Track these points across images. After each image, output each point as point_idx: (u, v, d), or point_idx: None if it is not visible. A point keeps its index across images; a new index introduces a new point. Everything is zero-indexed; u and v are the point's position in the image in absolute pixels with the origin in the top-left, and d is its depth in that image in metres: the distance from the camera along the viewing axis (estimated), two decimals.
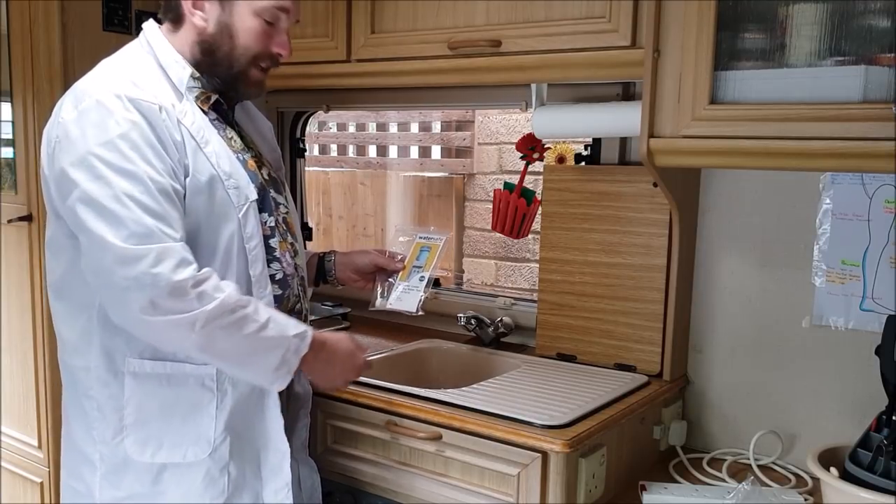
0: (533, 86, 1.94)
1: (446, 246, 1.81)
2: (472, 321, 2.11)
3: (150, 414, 1.44)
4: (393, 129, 4.45)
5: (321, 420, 1.77)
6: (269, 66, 1.54)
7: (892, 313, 1.55)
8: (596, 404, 1.61)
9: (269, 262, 1.51)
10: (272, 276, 1.52)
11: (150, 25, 1.53)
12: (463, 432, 1.56)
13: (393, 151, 4.44)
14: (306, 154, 2.70)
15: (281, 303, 1.54)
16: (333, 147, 4.76)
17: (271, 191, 1.56)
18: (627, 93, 1.92)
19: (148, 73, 1.46)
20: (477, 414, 1.57)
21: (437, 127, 4.21)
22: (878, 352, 1.49)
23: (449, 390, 1.69)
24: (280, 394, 1.52)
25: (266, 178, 1.57)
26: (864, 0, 1.36)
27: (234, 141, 1.54)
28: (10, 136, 2.29)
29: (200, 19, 1.48)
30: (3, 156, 2.34)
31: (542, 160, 2.07)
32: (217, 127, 1.50)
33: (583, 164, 2.01)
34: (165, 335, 1.36)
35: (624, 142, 1.96)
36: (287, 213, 1.60)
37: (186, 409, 1.44)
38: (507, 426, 1.51)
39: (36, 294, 2.21)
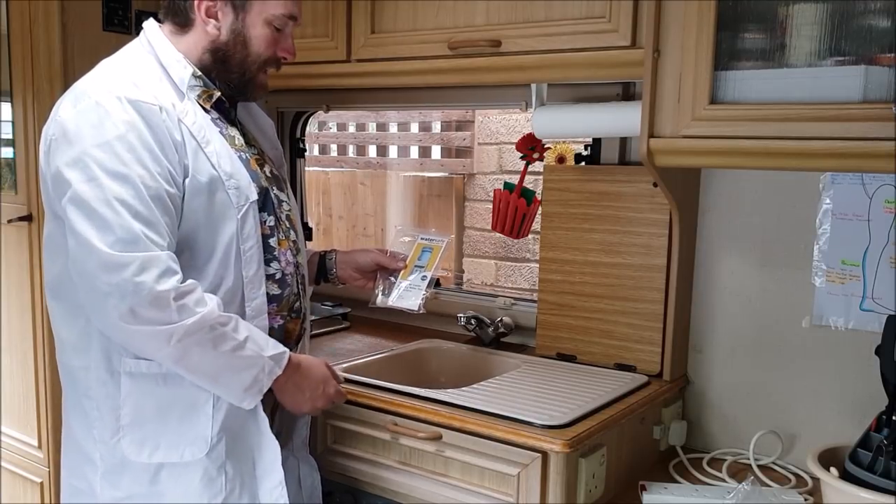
0: (533, 86, 1.94)
1: (448, 247, 1.81)
2: (472, 321, 2.11)
3: (147, 414, 1.44)
4: (393, 129, 4.44)
5: (321, 420, 1.77)
6: (276, 68, 1.57)
7: (892, 313, 1.55)
8: (596, 404, 1.61)
9: (267, 261, 1.52)
10: (271, 276, 1.52)
11: (150, 25, 1.53)
12: (463, 432, 1.56)
13: (393, 151, 4.44)
14: (306, 154, 2.70)
15: (280, 301, 1.55)
16: (333, 147, 4.76)
17: (273, 188, 1.57)
18: (627, 93, 1.92)
19: (148, 72, 1.46)
20: (477, 414, 1.57)
21: (437, 127, 4.21)
22: (878, 352, 1.49)
23: (449, 390, 1.69)
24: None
25: (268, 175, 1.57)
26: (864, 0, 1.36)
27: (236, 139, 1.54)
28: (10, 136, 2.29)
29: (214, 27, 1.49)
30: (3, 156, 2.34)
31: (542, 160, 2.07)
32: (219, 125, 1.51)
33: (583, 164, 2.01)
34: (141, 344, 1.37)
35: (624, 142, 1.96)
36: (290, 210, 1.61)
37: (183, 409, 1.44)
38: (507, 426, 1.51)
39: (36, 294, 2.21)
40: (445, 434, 1.59)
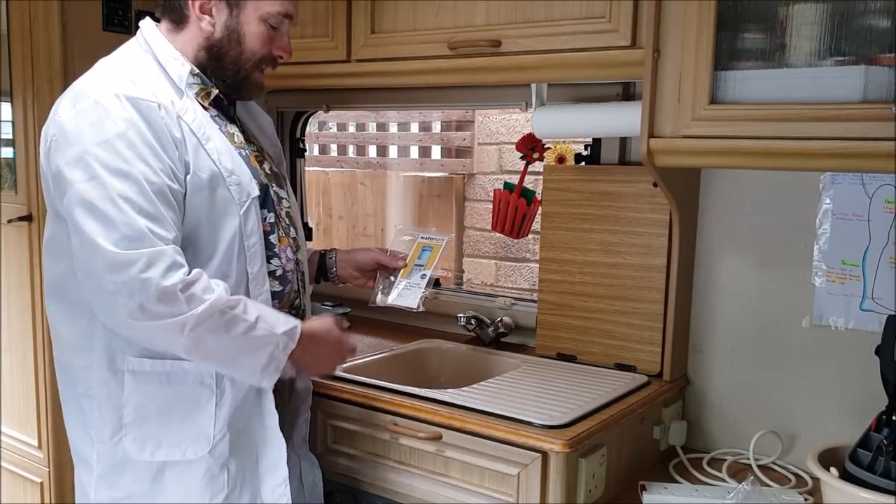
0: (533, 86, 1.95)
1: (448, 246, 1.81)
2: (472, 321, 2.11)
3: (150, 412, 1.44)
4: (393, 129, 4.44)
5: (321, 420, 1.77)
6: (272, 67, 1.56)
7: (892, 313, 1.55)
8: (596, 404, 1.61)
9: (268, 258, 1.52)
10: (272, 273, 1.53)
11: (147, 24, 1.53)
12: (463, 432, 1.56)
13: (393, 151, 4.44)
14: (306, 154, 2.70)
15: (280, 298, 1.55)
16: (333, 147, 4.76)
17: (273, 186, 1.57)
18: (627, 93, 1.92)
19: (146, 71, 1.46)
20: (477, 414, 1.57)
21: (437, 127, 4.20)
22: (878, 352, 1.49)
23: (449, 390, 1.69)
24: (279, 390, 1.53)
25: (268, 172, 1.57)
26: (864, 0, 1.36)
27: (236, 136, 1.54)
28: (10, 136, 2.29)
29: (208, 24, 1.48)
30: (3, 156, 2.34)
31: (542, 160, 2.07)
32: (218, 123, 1.51)
33: (583, 164, 2.01)
34: (154, 338, 1.37)
35: (624, 142, 1.96)
36: (289, 207, 1.61)
37: (185, 408, 1.44)
38: (507, 426, 1.51)
39: (36, 294, 2.21)
40: (445, 434, 1.59)
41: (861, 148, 1.32)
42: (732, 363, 1.85)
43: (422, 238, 1.82)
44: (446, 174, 4.15)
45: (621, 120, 1.77)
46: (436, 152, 4.22)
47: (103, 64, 1.48)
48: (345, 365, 1.71)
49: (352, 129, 4.66)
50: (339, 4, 2.00)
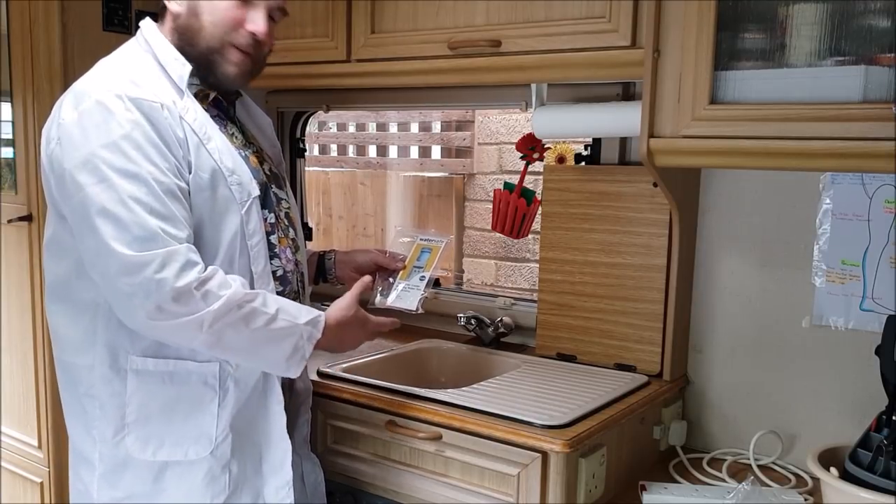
0: (533, 86, 1.95)
1: (447, 248, 1.81)
2: (472, 321, 2.11)
3: (152, 412, 1.44)
4: (393, 129, 4.45)
5: (321, 420, 1.77)
6: (248, 49, 1.49)
7: (892, 313, 1.55)
8: (596, 404, 1.61)
9: (269, 258, 1.52)
10: (272, 273, 1.52)
11: (147, 24, 1.53)
12: (463, 432, 1.56)
13: (393, 151, 4.44)
14: (306, 154, 2.70)
15: None
16: (333, 147, 4.77)
17: (273, 186, 1.57)
18: (627, 93, 1.92)
19: (147, 71, 1.46)
20: (477, 414, 1.57)
21: (437, 127, 4.21)
22: (878, 352, 1.49)
23: (449, 390, 1.69)
24: (282, 390, 1.53)
25: (267, 173, 1.57)
26: (864, 0, 1.36)
27: (236, 137, 1.54)
28: (10, 136, 2.29)
29: (176, 5, 1.48)
30: (3, 156, 2.34)
31: (542, 160, 2.07)
32: (218, 123, 1.51)
33: (583, 164, 2.01)
34: (175, 336, 1.37)
35: (624, 142, 1.96)
36: (289, 207, 1.61)
37: (188, 407, 1.45)
38: (507, 426, 1.51)
39: (36, 294, 2.21)
40: (445, 434, 1.59)
41: (861, 148, 1.32)
42: (732, 363, 1.85)
43: (421, 240, 1.82)
44: (446, 174, 4.15)
45: (621, 120, 1.77)
46: (436, 152, 4.22)
47: (103, 64, 1.48)
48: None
49: (352, 129, 4.66)
50: (339, 4, 2.00)
